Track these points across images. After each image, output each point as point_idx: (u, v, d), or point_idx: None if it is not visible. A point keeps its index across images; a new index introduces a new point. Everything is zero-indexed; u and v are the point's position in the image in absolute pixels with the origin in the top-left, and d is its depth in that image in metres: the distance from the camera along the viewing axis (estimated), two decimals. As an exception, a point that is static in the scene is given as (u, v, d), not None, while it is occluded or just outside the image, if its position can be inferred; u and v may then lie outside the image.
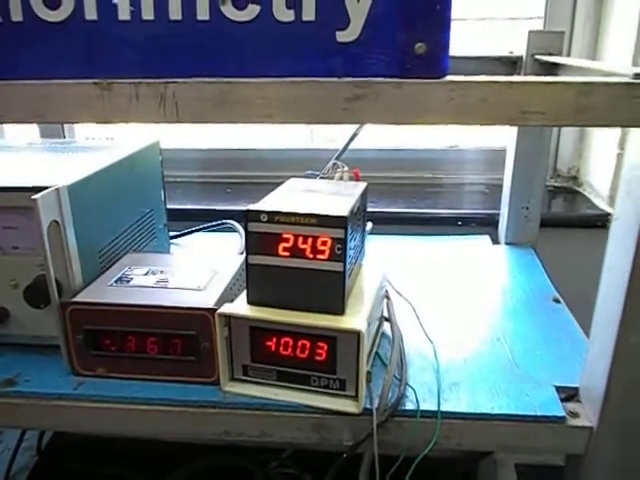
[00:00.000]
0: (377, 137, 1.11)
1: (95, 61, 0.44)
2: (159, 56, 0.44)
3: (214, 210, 1.00)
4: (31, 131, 1.14)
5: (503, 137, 1.03)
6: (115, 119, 0.45)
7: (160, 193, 0.82)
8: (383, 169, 1.10)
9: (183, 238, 0.90)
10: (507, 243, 0.91)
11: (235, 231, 0.89)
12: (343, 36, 0.42)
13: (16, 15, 0.44)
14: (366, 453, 0.53)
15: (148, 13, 0.43)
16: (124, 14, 0.43)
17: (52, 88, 0.45)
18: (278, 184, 0.62)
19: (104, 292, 0.58)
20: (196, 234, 0.91)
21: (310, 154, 1.13)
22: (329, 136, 1.24)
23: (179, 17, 0.43)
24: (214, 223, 0.91)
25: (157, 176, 0.81)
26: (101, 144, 0.80)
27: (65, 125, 1.13)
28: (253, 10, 0.42)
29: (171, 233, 0.88)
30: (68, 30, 0.44)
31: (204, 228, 0.91)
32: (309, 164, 0.82)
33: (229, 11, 0.42)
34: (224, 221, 0.89)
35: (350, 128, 0.83)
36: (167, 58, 0.44)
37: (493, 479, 0.99)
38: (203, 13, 0.42)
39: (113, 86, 0.44)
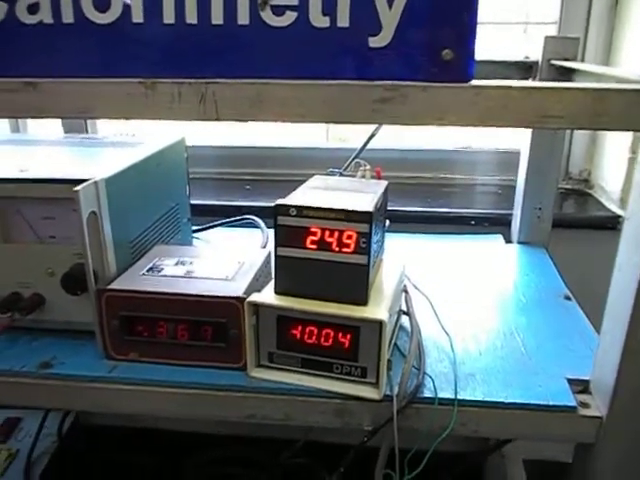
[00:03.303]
0: (389, 137, 1.14)
1: (140, 61, 0.47)
2: (201, 57, 0.47)
3: (234, 206, 1.03)
4: (53, 126, 1.17)
5: (512, 138, 1.06)
6: (158, 116, 0.47)
7: (185, 188, 0.85)
8: (398, 169, 1.12)
9: (205, 232, 0.93)
10: (519, 242, 0.94)
11: (255, 226, 0.91)
12: (375, 42, 0.45)
13: (67, 17, 0.47)
14: (384, 442, 0.56)
15: (191, 17, 0.46)
16: (169, 18, 0.46)
17: (99, 86, 0.48)
18: (296, 181, 0.64)
19: (137, 281, 0.61)
20: (217, 229, 0.94)
21: (325, 153, 1.16)
22: (341, 136, 1.26)
23: (221, 22, 0.46)
24: (236, 218, 0.93)
25: (182, 172, 0.84)
26: (128, 140, 0.83)
27: (88, 121, 1.16)
28: (290, 16, 0.45)
29: (193, 227, 0.91)
30: (116, 32, 0.47)
31: (226, 223, 0.94)
32: (325, 162, 0.85)
33: (268, 16, 0.45)
34: (246, 216, 0.92)
35: (365, 129, 0.86)
36: (208, 59, 0.47)
37: (501, 474, 1.02)
38: (243, 18, 0.45)
39: (157, 85, 0.47)
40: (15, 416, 1.12)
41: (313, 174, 0.69)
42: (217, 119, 0.47)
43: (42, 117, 0.48)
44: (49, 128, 1.20)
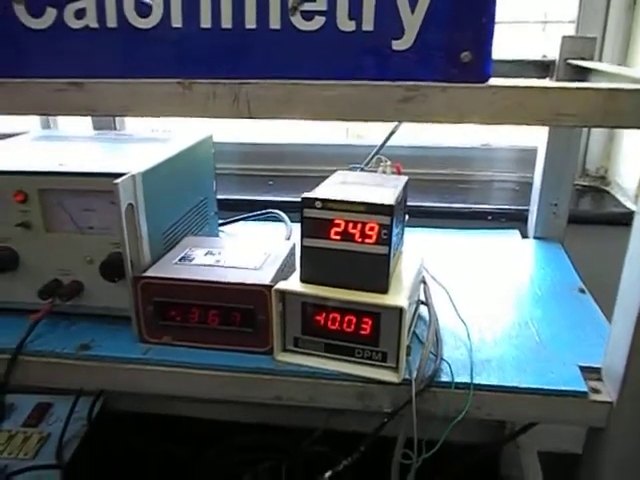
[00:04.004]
0: (408, 134, 1.16)
1: (179, 63, 0.51)
2: (235, 60, 0.50)
3: (257, 200, 1.07)
4: (82, 122, 1.21)
5: (530, 136, 1.08)
6: (194, 114, 0.51)
7: (212, 183, 0.88)
8: (417, 165, 1.15)
9: (230, 225, 0.97)
10: (536, 238, 0.96)
11: (279, 220, 0.95)
12: (398, 45, 0.48)
13: (111, 22, 0.51)
14: (403, 424, 0.59)
15: (227, 22, 0.49)
16: (206, 23, 0.49)
17: (140, 86, 0.51)
18: (317, 177, 0.67)
19: (171, 269, 0.64)
20: (242, 222, 0.98)
21: (345, 149, 1.19)
22: (359, 133, 1.29)
23: (254, 26, 0.49)
24: (260, 212, 0.97)
25: (210, 167, 0.87)
26: (158, 136, 0.87)
27: (117, 118, 1.21)
28: (319, 21, 0.48)
29: (219, 221, 0.94)
30: (156, 36, 0.50)
31: (251, 216, 0.97)
32: (345, 158, 0.88)
33: (298, 21, 0.48)
34: (270, 210, 0.96)
35: (383, 127, 0.89)
36: (242, 61, 0.50)
37: (516, 464, 1.04)
38: (275, 23, 0.49)
39: (194, 85, 0.50)
40: (46, 401, 1.17)
41: (334, 170, 0.72)
42: (249, 117, 0.50)
43: (87, 115, 0.52)
44: (78, 124, 1.25)
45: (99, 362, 0.63)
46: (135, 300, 0.62)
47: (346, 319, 0.59)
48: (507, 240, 0.96)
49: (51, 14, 0.51)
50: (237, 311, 0.61)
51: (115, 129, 1.21)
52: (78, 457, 1.04)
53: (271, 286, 0.59)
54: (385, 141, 0.88)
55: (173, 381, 0.62)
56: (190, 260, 0.66)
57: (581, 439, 0.63)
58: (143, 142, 0.82)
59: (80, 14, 0.51)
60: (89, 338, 0.65)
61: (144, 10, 0.50)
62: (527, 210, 0.99)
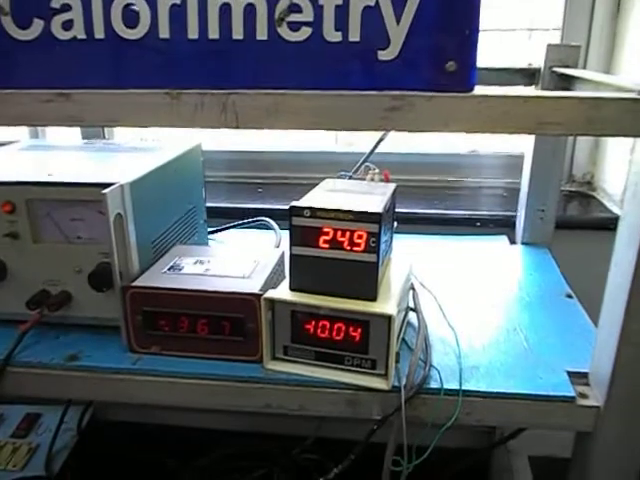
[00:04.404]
0: (397, 142, 1.17)
1: (166, 74, 0.51)
2: (222, 70, 0.50)
3: (246, 208, 1.07)
4: (70, 131, 1.21)
5: (517, 143, 1.09)
6: (182, 125, 0.51)
7: (201, 191, 0.88)
8: (406, 172, 1.15)
9: (220, 233, 0.97)
10: (523, 243, 0.97)
11: (268, 227, 0.95)
12: (384, 55, 0.48)
13: (99, 33, 0.51)
14: (393, 431, 0.59)
15: (214, 33, 0.49)
16: (193, 34, 0.50)
17: (127, 96, 0.51)
18: (306, 185, 0.67)
19: (160, 278, 0.64)
20: (231, 230, 0.98)
21: (334, 157, 1.19)
22: (349, 140, 1.30)
23: (241, 37, 0.49)
24: (249, 220, 0.97)
25: (199, 175, 0.87)
26: (147, 145, 0.87)
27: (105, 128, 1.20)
28: (306, 31, 0.49)
29: (208, 229, 0.94)
30: (144, 46, 0.50)
31: (240, 224, 0.97)
32: (334, 166, 0.89)
33: (284, 32, 0.49)
34: (260, 218, 0.96)
35: (372, 135, 0.89)
36: (229, 72, 0.50)
37: (507, 469, 1.04)
38: (262, 34, 0.49)
39: (182, 96, 0.50)
40: (35, 412, 1.16)
41: (323, 177, 0.72)
42: (237, 127, 0.50)
43: (74, 125, 0.52)
44: (66, 133, 1.25)
45: (88, 372, 0.63)
46: (124, 310, 0.62)
47: (335, 327, 0.59)
48: (495, 246, 0.97)
49: (38, 25, 0.51)
50: (226, 320, 0.61)
51: (104, 138, 1.21)
52: (68, 468, 1.03)
53: (260, 295, 0.59)
54: (373, 149, 0.88)
55: (163, 391, 0.62)
56: (179, 269, 0.66)
57: (571, 443, 0.64)
58: (132, 151, 0.82)
59: (67, 25, 0.51)
60: (78, 348, 0.65)
61: (131, 21, 0.50)
62: (515, 216, 1.00)
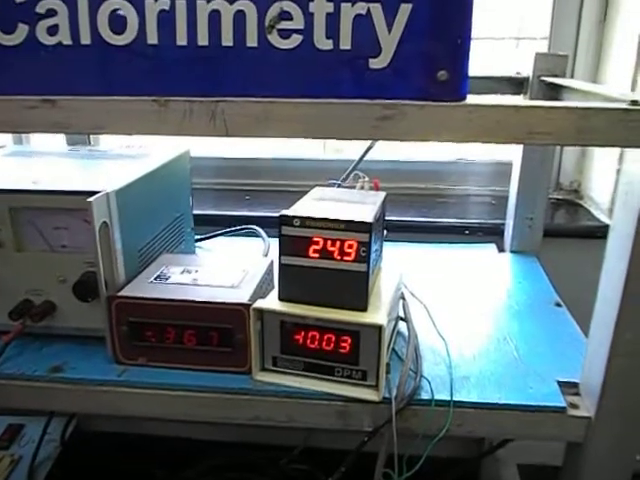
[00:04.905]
0: (386, 149, 1.17)
1: (154, 80, 0.50)
2: (212, 77, 0.50)
3: (234, 216, 1.06)
4: (56, 138, 1.19)
5: (506, 151, 1.10)
6: (170, 132, 0.50)
7: (189, 199, 0.87)
8: (394, 180, 1.15)
9: (207, 241, 0.96)
10: (512, 251, 0.97)
11: (256, 235, 0.94)
12: (375, 63, 0.48)
13: (85, 39, 0.50)
14: (383, 443, 0.58)
15: (203, 40, 0.49)
16: (182, 40, 0.49)
17: (114, 103, 0.50)
18: (294, 192, 0.67)
19: (146, 288, 0.63)
20: (219, 238, 0.97)
21: (322, 164, 1.19)
22: (337, 147, 1.29)
23: (231, 43, 0.48)
24: (237, 227, 0.96)
25: (186, 183, 0.86)
26: (134, 153, 0.86)
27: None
28: (296, 39, 0.48)
29: (196, 237, 0.93)
30: (131, 53, 0.49)
31: (228, 232, 0.96)
32: (322, 173, 0.88)
33: (275, 39, 0.48)
34: (247, 226, 0.95)
35: (361, 142, 0.89)
36: (219, 79, 0.50)
37: (496, 477, 1.04)
38: (252, 41, 0.48)
39: (169, 103, 0.49)
40: (18, 423, 1.14)
41: (312, 184, 0.72)
42: (226, 135, 0.50)
43: (60, 132, 0.51)
44: (51, 140, 1.23)
45: (72, 385, 0.61)
46: (109, 320, 0.61)
47: (325, 337, 0.58)
48: (484, 254, 0.97)
49: (23, 30, 0.50)
50: (214, 330, 0.60)
51: (90, 144, 1.19)
52: (51, 480, 1.01)
53: (249, 305, 0.58)
54: (362, 157, 0.88)
55: (149, 403, 0.61)
56: (166, 278, 0.65)
57: (561, 451, 0.63)
58: (118, 159, 0.81)
59: (52, 30, 0.50)
60: (62, 360, 0.64)
61: (119, 27, 0.49)
62: (503, 224, 1.00)
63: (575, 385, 0.60)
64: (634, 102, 0.48)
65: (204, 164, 1.19)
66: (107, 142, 1.23)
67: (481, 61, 1.07)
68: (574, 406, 0.58)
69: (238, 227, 0.96)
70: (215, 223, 1.01)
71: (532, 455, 1.11)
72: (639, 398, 0.55)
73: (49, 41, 0.50)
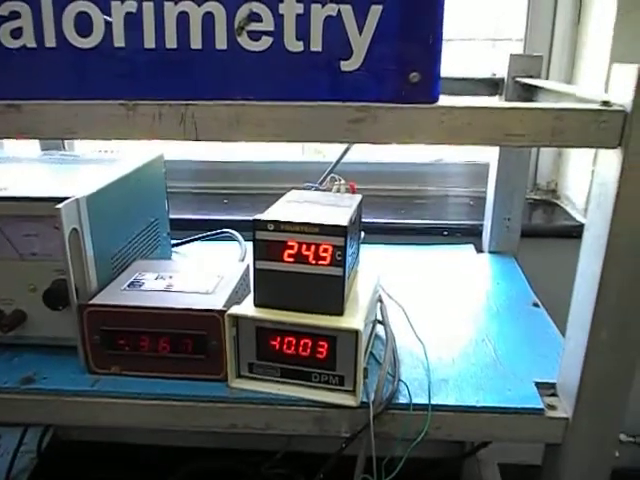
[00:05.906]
0: (363, 151, 1.17)
1: (122, 84, 0.49)
2: (181, 80, 0.49)
3: (212, 220, 1.05)
4: (30, 143, 1.17)
5: (484, 152, 1.10)
6: (140, 137, 0.49)
7: (164, 203, 0.86)
8: (372, 182, 1.15)
9: (184, 246, 0.95)
10: (490, 252, 0.97)
11: (233, 240, 0.93)
12: (346, 65, 0.47)
13: (50, 42, 0.49)
14: (361, 448, 0.57)
15: (171, 42, 0.48)
16: (149, 43, 0.48)
17: (82, 108, 0.49)
18: (272, 195, 0.66)
19: (119, 295, 0.62)
20: (196, 243, 0.96)
21: (301, 167, 1.18)
22: (317, 148, 1.29)
23: (199, 46, 0.48)
24: (214, 232, 0.95)
25: (161, 187, 0.85)
26: (106, 157, 0.84)
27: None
28: (266, 41, 0.47)
29: (172, 242, 0.92)
30: (98, 55, 0.48)
31: (205, 237, 0.95)
32: (301, 176, 0.87)
33: (245, 41, 0.47)
34: (224, 230, 0.94)
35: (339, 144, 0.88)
36: (188, 82, 0.49)
37: (477, 477, 1.04)
38: (221, 43, 0.47)
39: (138, 107, 0.48)
40: (-8, 434, 1.11)
41: (290, 187, 0.71)
42: (197, 139, 0.49)
43: (26, 138, 0.50)
44: (25, 145, 1.20)
45: (44, 395, 0.60)
46: (81, 329, 0.60)
47: (302, 343, 0.57)
48: (462, 255, 0.97)
49: (-15, 33, 0.49)
50: (189, 338, 0.59)
51: (64, 149, 1.17)
52: (27, 492, 0.99)
53: (224, 311, 0.57)
54: (339, 160, 0.88)
55: (124, 413, 0.59)
56: (139, 285, 0.64)
57: (541, 451, 0.63)
58: (91, 163, 0.80)
59: (16, 33, 0.49)
60: (33, 370, 0.62)
61: (84, 29, 0.48)
62: (481, 225, 1.00)
63: (552, 386, 0.60)
64: (605, 103, 0.48)
65: (182, 167, 1.18)
66: (82, 147, 1.22)
67: (458, 62, 1.08)
68: (552, 407, 0.58)
69: (215, 231, 0.95)
70: (193, 227, 1.00)
71: (513, 455, 1.12)
72: (615, 397, 0.55)
73: (13, 44, 0.49)
